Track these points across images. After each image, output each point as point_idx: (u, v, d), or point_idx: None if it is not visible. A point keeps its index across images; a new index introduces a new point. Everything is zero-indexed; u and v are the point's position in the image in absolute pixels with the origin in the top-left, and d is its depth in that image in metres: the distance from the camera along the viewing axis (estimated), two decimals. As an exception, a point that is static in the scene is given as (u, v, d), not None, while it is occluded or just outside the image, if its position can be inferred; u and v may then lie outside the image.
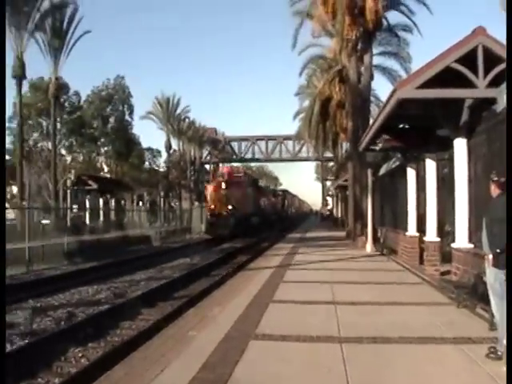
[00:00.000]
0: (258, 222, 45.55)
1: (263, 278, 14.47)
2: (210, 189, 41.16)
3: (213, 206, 38.95)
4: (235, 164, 68.30)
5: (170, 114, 72.61)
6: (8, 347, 9.23)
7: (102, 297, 14.45)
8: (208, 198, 40.90)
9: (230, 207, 37.95)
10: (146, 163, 79.21)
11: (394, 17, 31.58)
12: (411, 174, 17.47)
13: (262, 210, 49.98)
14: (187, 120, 76.65)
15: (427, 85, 11.22)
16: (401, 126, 16.36)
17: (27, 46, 38.25)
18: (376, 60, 33.00)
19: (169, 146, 72.89)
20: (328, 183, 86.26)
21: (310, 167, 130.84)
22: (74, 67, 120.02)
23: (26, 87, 46.72)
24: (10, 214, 38.67)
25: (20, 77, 37.91)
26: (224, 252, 27.23)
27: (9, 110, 52.77)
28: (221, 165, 70.38)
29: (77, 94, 61.34)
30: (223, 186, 38.75)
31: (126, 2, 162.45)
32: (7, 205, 57.93)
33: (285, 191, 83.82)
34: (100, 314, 11.69)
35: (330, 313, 9.39)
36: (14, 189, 51.96)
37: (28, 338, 9.74)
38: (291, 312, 9.78)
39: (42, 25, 40.23)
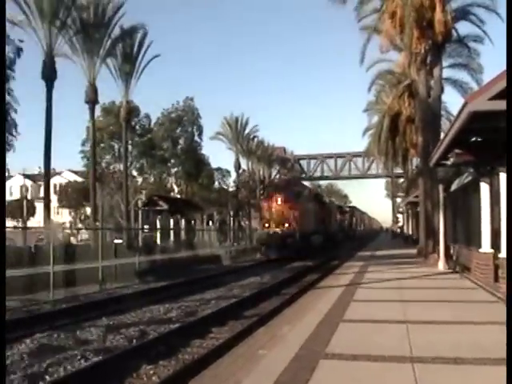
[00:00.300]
0: (321, 241, 41.87)
1: (333, 296, 14.27)
2: (263, 204, 38.23)
3: (266, 224, 35.88)
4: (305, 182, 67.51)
5: (238, 134, 73.18)
6: (82, 363, 9.45)
7: (173, 315, 14.57)
8: (262, 214, 37.93)
9: (286, 225, 34.76)
10: (216, 183, 79.97)
11: (463, 27, 30.94)
12: (485, 188, 16.92)
13: (326, 227, 46.12)
14: (256, 139, 77.14)
15: (500, 96, 10.83)
16: (473, 139, 15.90)
17: (99, 71, 39.49)
18: (446, 73, 32.45)
19: (238, 166, 73.41)
20: (398, 200, 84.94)
21: (380, 184, 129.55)
22: (145, 90, 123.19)
23: (98, 111, 48.15)
24: (85, 235, 39.89)
25: (93, 102, 39.10)
26: (294, 271, 27.09)
27: (82, 134, 54.65)
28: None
29: (147, 116, 62.85)
30: (278, 200, 35.62)
31: (194, 22, 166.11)
32: (81, 225, 59.84)
33: (353, 207, 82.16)
34: (171, 333, 11.78)
35: (401, 332, 9.14)
36: (88, 210, 53.53)
37: (101, 355, 9.88)
38: (362, 331, 9.58)
39: (113, 50, 41.46)
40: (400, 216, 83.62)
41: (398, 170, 59.44)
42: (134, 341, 11.27)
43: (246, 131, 74.87)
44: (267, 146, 78.70)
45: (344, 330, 9.63)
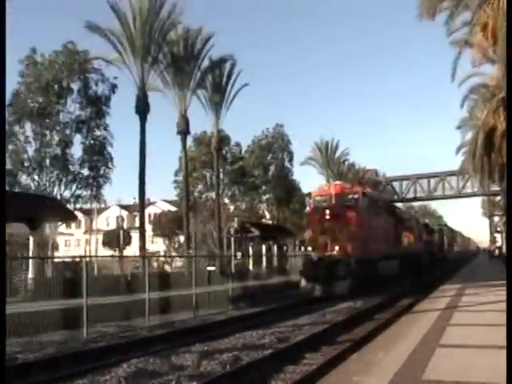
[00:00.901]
0: (397, 268, 33.45)
1: (429, 321, 13.84)
2: (308, 220, 29.64)
3: (310, 248, 27.33)
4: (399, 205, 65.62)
5: (329, 158, 73.20)
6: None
7: (266, 341, 14.52)
8: (306, 234, 29.56)
9: (336, 247, 25.85)
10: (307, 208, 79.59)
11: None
12: None
13: (405, 250, 37.73)
14: (347, 163, 76.81)
15: None
16: None
17: (190, 102, 40.64)
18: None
19: (329, 190, 72.92)
20: (496, 219, 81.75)
21: (476, 203, 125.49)
22: (235, 118, 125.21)
23: (189, 141, 49.37)
24: (179, 262, 40.64)
25: (184, 132, 40.21)
26: (387, 295, 26.42)
27: (175, 164, 56.17)
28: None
29: (238, 144, 63.70)
30: (327, 213, 26.43)
31: (279, 50, 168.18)
32: (175, 253, 61.09)
33: (443, 226, 78.27)
34: (264, 358, 11.75)
35: (502, 358, 8.70)
36: (181, 238, 54.70)
37: (196, 381, 9.97)
38: (459, 357, 9.22)
39: (203, 82, 42.59)
40: (498, 236, 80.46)
41: (495, 188, 57.36)
42: (228, 366, 11.32)
43: (337, 155, 74.83)
44: (358, 169, 78.12)
45: (440, 355, 9.29)
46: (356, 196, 28.51)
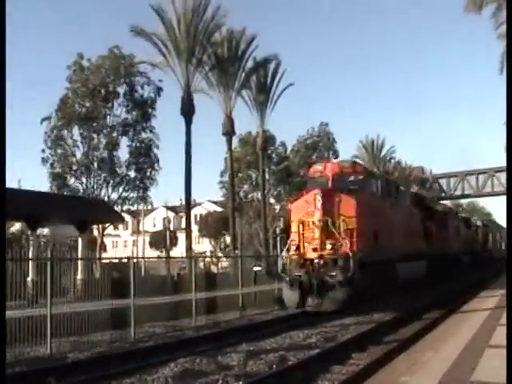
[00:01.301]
0: (424, 272, 27.94)
1: (478, 320, 13.59)
2: (292, 209, 22.14)
3: (294, 246, 20.02)
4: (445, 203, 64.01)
5: (375, 157, 72.67)
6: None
7: (312, 341, 14.45)
8: (289, 229, 22.11)
9: (328, 246, 18.96)
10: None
11: None
12: None
13: (436, 248, 30.85)
14: (393, 161, 76.16)
15: None
16: None
17: (235, 103, 40.87)
18: None
19: (375, 189, 72.27)
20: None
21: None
22: (280, 118, 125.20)
23: (235, 142, 49.57)
24: (225, 263, 40.79)
25: (230, 133, 40.43)
26: (435, 295, 25.96)
27: (221, 165, 56.51)
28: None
29: (283, 144, 63.60)
30: (317, 201, 19.25)
31: (322, 48, 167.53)
32: (221, 254, 61.44)
33: (487, 222, 75.13)
34: (310, 359, 11.70)
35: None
36: (228, 238, 55.00)
37: (242, 380, 9.97)
38: (510, 357, 9.01)
39: (247, 83, 42.74)
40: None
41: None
42: (274, 366, 11.30)
43: (383, 153, 74.24)
44: (405, 167, 77.37)
45: (490, 356, 9.13)
46: (360, 177, 22.14)
